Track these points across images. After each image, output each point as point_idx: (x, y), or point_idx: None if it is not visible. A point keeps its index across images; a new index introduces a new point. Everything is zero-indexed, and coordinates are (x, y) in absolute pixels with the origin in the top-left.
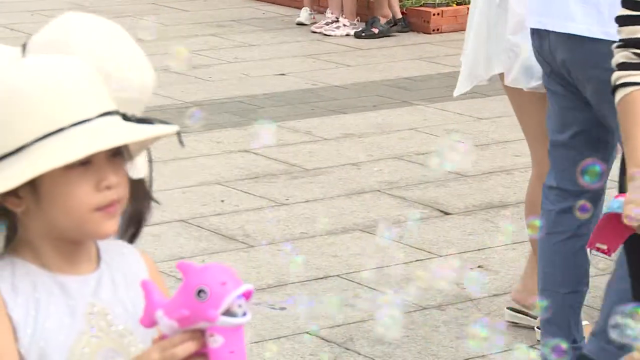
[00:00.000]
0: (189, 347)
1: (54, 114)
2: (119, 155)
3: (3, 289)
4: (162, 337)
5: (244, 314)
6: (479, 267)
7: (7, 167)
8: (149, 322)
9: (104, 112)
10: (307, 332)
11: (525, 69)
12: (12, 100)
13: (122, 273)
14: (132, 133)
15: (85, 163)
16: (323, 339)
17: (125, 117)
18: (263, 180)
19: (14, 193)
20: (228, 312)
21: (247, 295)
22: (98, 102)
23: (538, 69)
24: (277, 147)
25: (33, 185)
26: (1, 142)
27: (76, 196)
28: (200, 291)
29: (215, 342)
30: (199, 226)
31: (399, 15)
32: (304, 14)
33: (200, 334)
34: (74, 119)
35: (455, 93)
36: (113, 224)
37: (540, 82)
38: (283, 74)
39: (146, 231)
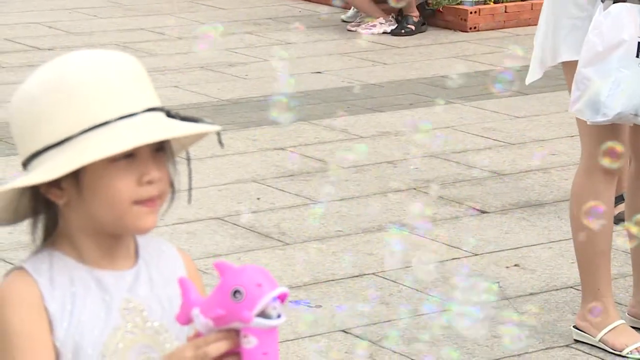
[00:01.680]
0: (222, 346)
1: (100, 107)
2: (161, 151)
3: (40, 282)
4: (197, 335)
5: (279, 316)
6: (515, 265)
7: (52, 157)
8: (185, 319)
9: (150, 108)
10: (343, 330)
11: (592, 103)
12: (59, 92)
13: (160, 270)
14: (177, 128)
15: (129, 157)
16: (358, 337)
17: (169, 115)
18: (299, 178)
19: (56, 184)
20: (263, 314)
21: (282, 298)
22: (144, 98)
23: (605, 105)
24: (313, 145)
25: (76, 176)
26: (47, 133)
27: (118, 188)
28: (236, 292)
29: (249, 342)
30: (234, 224)
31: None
32: (351, 12)
33: (234, 334)
34: (120, 112)
35: (528, 81)
36: (152, 219)
37: (605, 118)
38: (319, 72)
39: (182, 229)
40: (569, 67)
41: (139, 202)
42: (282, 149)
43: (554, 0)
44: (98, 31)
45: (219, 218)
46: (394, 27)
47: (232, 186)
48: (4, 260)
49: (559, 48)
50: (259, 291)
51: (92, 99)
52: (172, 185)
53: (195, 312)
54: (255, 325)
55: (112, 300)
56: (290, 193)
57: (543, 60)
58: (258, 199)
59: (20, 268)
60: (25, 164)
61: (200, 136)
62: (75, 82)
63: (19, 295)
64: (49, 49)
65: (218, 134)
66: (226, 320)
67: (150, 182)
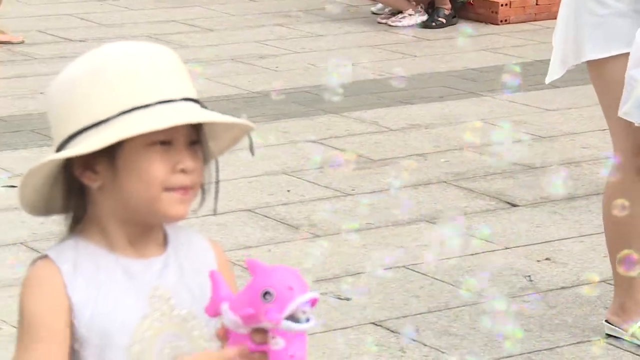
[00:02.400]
0: None
1: (139, 91)
2: (197, 145)
3: (64, 269)
4: (225, 331)
5: (307, 320)
6: (546, 259)
7: (88, 137)
8: (214, 312)
9: (187, 97)
10: (373, 323)
11: (638, 104)
12: (99, 77)
13: (190, 259)
14: (214, 115)
15: (165, 144)
16: (389, 329)
17: (204, 108)
18: (329, 170)
19: (91, 167)
20: (292, 317)
21: (312, 302)
22: (182, 87)
23: None
24: (344, 138)
25: (112, 159)
26: (85, 115)
27: (151, 172)
28: (266, 293)
29: (276, 344)
30: (265, 216)
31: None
32: (381, 4)
33: (263, 333)
34: (159, 97)
35: (548, 80)
36: (183, 208)
37: None
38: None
39: (212, 220)
40: (594, 65)
41: (170, 189)
42: (312, 141)
43: None
44: (129, 23)
45: (249, 210)
46: (424, 17)
47: (263, 178)
48: (36, 251)
49: (582, 46)
50: (289, 294)
51: (132, 84)
52: (202, 187)
53: (225, 307)
54: (283, 327)
55: (140, 288)
56: (320, 185)
57: (565, 59)
58: (288, 191)
59: (45, 256)
60: (60, 149)
61: (235, 141)
62: (115, 68)
63: (39, 283)
64: (80, 41)
65: (250, 140)
66: (255, 320)
67: (183, 171)
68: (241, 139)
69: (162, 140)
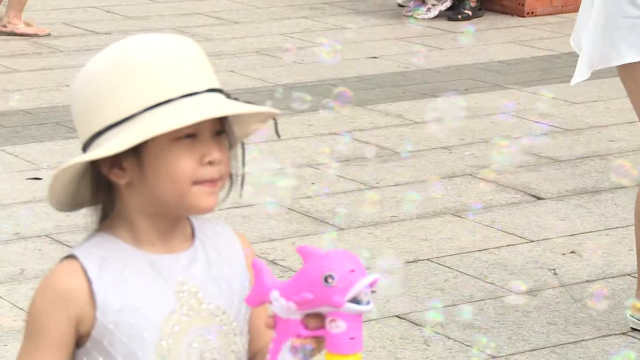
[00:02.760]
0: None
1: (163, 86)
2: (223, 134)
3: (90, 268)
4: (274, 318)
5: (368, 303)
6: (571, 252)
7: (114, 135)
8: (257, 301)
9: (211, 88)
10: (397, 316)
11: None
12: (122, 72)
13: (217, 251)
14: (239, 106)
15: (191, 137)
16: (413, 322)
17: (229, 97)
18: (354, 163)
19: (118, 164)
20: (353, 299)
21: (372, 284)
22: (205, 79)
23: None
24: (368, 130)
25: (138, 155)
26: (109, 112)
27: (179, 167)
28: (328, 276)
29: (337, 327)
30: (289, 208)
31: None
32: None
33: (317, 318)
34: (183, 91)
35: (573, 82)
36: (213, 199)
37: None
38: (375, 57)
39: (237, 212)
40: (629, 69)
41: (198, 182)
42: (337, 133)
43: (606, 0)
44: (155, 15)
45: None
46: (448, 4)
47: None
48: (60, 243)
49: (615, 49)
50: (352, 277)
51: (155, 79)
52: (230, 175)
53: (275, 295)
54: (346, 310)
55: (167, 284)
56: (345, 178)
57: (592, 62)
58: (313, 183)
59: (71, 256)
60: (86, 146)
61: (260, 125)
62: (138, 63)
63: (54, 286)
64: (106, 33)
65: (275, 124)
66: (313, 304)
67: (211, 163)
68: (266, 122)
69: (188, 133)
